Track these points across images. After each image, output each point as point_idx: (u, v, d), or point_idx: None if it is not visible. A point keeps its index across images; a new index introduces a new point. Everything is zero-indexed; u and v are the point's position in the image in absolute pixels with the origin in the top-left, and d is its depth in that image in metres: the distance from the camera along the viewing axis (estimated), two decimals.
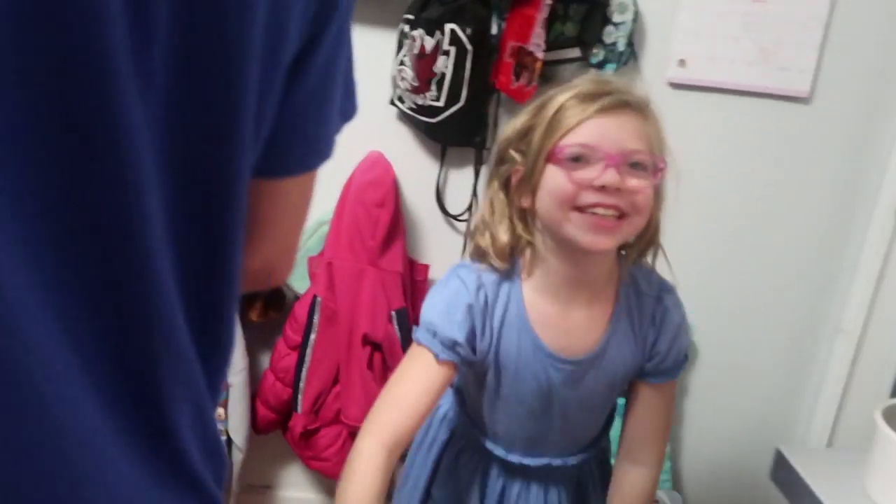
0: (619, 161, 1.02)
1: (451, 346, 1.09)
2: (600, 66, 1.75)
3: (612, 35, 1.74)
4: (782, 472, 1.29)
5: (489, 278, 1.13)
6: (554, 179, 1.05)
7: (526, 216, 1.11)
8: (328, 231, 1.79)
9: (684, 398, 2.08)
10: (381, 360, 1.82)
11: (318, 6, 0.57)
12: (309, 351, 1.83)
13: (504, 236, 1.11)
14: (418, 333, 1.12)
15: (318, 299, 1.80)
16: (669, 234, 1.90)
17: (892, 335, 1.96)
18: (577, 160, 1.03)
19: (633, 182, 1.03)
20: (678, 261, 1.93)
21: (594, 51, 1.73)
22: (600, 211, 1.02)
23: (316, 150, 0.64)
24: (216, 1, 0.48)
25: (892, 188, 1.88)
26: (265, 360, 1.95)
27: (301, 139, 0.62)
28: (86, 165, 0.44)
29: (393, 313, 1.78)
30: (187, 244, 0.53)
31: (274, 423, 1.93)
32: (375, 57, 1.78)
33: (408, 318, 1.78)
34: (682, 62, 1.83)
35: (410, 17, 1.65)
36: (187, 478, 0.54)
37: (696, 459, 2.14)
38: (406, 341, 1.74)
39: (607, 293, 1.16)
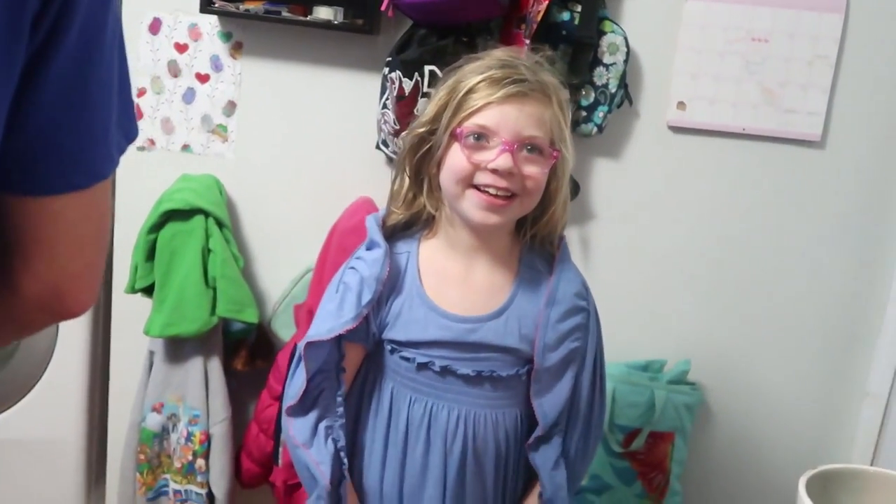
0: (515, 146, 1.12)
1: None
2: (591, 108, 1.69)
3: (602, 76, 1.68)
4: None
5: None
6: (455, 156, 1.15)
7: (433, 185, 1.22)
8: (311, 278, 1.75)
9: (706, 461, 1.94)
10: None
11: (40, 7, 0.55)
12: None
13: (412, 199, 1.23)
14: None
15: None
16: (673, 288, 1.84)
17: None
18: (478, 139, 1.13)
19: (526, 168, 1.13)
20: (683, 316, 1.85)
21: (584, 92, 1.68)
22: (492, 190, 1.13)
23: (81, 167, 0.61)
24: None
25: None
26: (252, 411, 1.90)
27: (57, 152, 0.59)
28: None
29: None
30: None
31: (259, 476, 1.86)
32: (362, 101, 1.77)
33: None
34: (681, 104, 1.76)
35: (389, 58, 1.63)
36: None
37: None
38: None
39: (508, 263, 1.24)
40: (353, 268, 1.22)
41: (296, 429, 1.17)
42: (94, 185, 0.63)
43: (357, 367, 1.24)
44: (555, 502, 1.21)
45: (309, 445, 1.16)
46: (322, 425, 1.17)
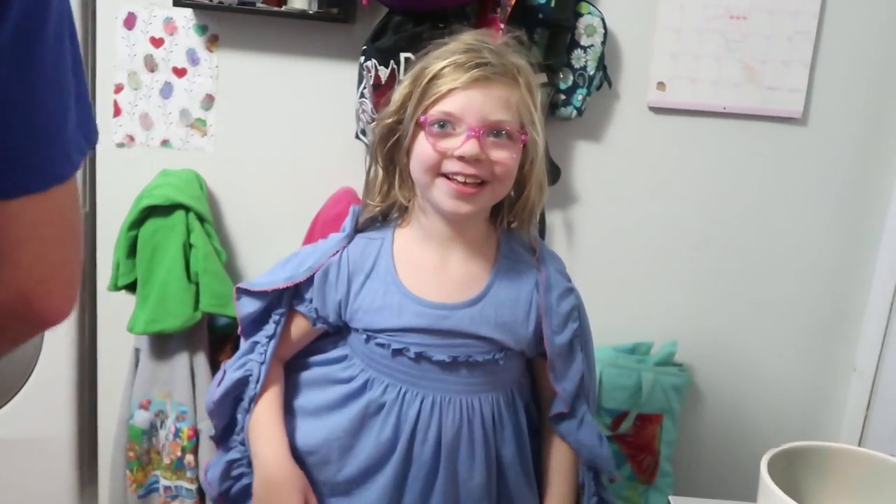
0: (481, 132, 1.08)
1: None
2: (570, 91, 1.68)
3: (580, 59, 1.67)
4: None
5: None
6: (421, 145, 1.12)
7: (404, 176, 1.19)
8: None
9: (696, 442, 1.94)
10: None
11: None
12: None
13: (386, 189, 1.20)
14: None
15: None
16: (658, 270, 1.84)
17: None
18: (442, 126, 1.10)
19: (495, 153, 1.10)
20: (669, 298, 1.85)
21: (562, 76, 1.66)
22: (461, 178, 1.10)
23: (34, 169, 0.59)
24: None
25: None
26: None
27: (5, 155, 0.57)
28: None
29: None
30: None
31: None
32: (340, 90, 1.76)
33: None
34: (660, 85, 1.75)
35: (364, 47, 1.61)
36: None
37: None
38: None
39: (485, 252, 1.21)
40: (317, 241, 1.26)
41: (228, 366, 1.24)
42: (52, 188, 0.61)
43: (301, 339, 1.25)
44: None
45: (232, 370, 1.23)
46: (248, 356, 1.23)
